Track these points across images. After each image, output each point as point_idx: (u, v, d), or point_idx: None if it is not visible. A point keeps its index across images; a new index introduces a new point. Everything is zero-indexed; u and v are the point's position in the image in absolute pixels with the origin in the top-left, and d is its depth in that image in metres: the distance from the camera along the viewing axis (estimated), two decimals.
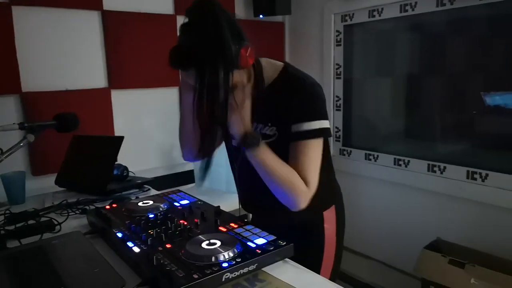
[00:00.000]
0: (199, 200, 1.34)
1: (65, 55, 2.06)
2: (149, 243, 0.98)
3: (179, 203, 1.32)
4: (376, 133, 2.66)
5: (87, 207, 1.44)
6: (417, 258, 2.04)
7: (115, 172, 1.76)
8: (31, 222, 1.27)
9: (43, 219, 1.31)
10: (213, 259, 0.88)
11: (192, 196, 1.38)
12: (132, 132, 2.29)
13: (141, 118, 2.38)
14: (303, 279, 0.91)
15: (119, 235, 1.06)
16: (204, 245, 0.94)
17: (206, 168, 1.09)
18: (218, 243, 0.94)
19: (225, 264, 0.86)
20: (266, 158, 1.06)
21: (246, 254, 0.91)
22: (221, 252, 0.89)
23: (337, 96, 2.73)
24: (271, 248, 0.94)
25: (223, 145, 1.34)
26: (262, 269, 0.92)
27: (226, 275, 0.85)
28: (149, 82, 2.35)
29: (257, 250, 0.93)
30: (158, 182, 1.89)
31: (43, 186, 1.85)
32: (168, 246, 0.97)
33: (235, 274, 0.86)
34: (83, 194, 1.63)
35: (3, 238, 1.16)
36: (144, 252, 0.94)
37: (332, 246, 1.28)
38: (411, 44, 2.42)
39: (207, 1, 0.99)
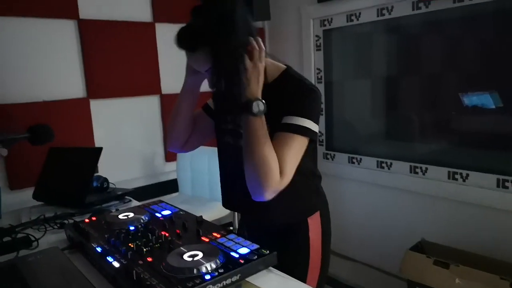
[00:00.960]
0: (181, 210, 1.31)
1: (42, 65, 2.02)
2: (129, 257, 0.96)
3: (161, 213, 1.29)
4: (359, 135, 2.67)
5: (65, 221, 1.40)
6: (402, 259, 2.05)
7: (94, 184, 1.73)
8: (6, 239, 1.23)
9: (19, 235, 1.26)
10: (195, 271, 0.86)
11: (174, 206, 1.35)
12: (112, 142, 2.25)
13: (122, 127, 2.35)
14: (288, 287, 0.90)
15: (98, 249, 1.03)
16: (185, 257, 0.92)
17: None
18: (200, 254, 0.92)
19: (207, 276, 0.84)
20: (260, 129, 1.04)
21: (229, 264, 0.89)
22: (203, 264, 0.87)
23: None
24: (255, 258, 0.92)
25: (209, 152, 1.34)
26: (246, 279, 0.91)
27: (209, 287, 0.83)
28: (129, 90, 2.32)
29: (240, 260, 0.91)
30: (140, 192, 1.86)
31: (20, 200, 1.79)
32: (149, 259, 0.94)
33: (218, 286, 0.84)
34: (62, 207, 1.58)
35: None
36: (124, 266, 0.91)
37: (317, 255, 1.26)
38: (390, 46, 2.45)
39: None
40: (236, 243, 1.01)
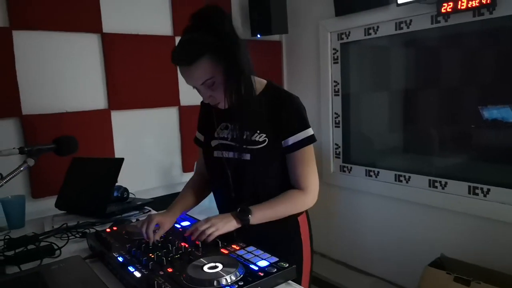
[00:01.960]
0: (200, 221, 1.32)
1: (65, 77, 2.08)
2: (150, 267, 0.97)
3: (180, 224, 1.31)
4: (376, 148, 2.66)
5: (87, 231, 1.43)
6: (420, 275, 2.01)
7: (115, 193, 1.76)
8: (30, 247, 1.26)
9: (43, 243, 1.29)
10: (215, 283, 0.87)
11: (193, 217, 1.37)
12: (132, 152, 2.29)
13: (141, 138, 2.39)
14: None
15: (120, 259, 1.05)
16: (205, 268, 0.93)
17: None
18: (220, 266, 0.93)
19: None
20: (263, 215, 1.17)
21: (248, 277, 0.90)
22: (223, 276, 0.88)
23: (335, 113, 2.74)
24: (274, 271, 0.93)
25: None
26: None
27: None
28: (149, 102, 2.36)
29: (260, 273, 0.92)
30: (159, 202, 1.88)
31: (43, 209, 1.84)
32: (169, 270, 0.96)
33: None
34: (83, 216, 1.62)
35: (2, 264, 1.15)
36: (145, 276, 0.93)
37: (307, 249, 1.33)
38: (408, 59, 2.44)
39: (214, 5, 1.13)
40: (255, 255, 1.01)
